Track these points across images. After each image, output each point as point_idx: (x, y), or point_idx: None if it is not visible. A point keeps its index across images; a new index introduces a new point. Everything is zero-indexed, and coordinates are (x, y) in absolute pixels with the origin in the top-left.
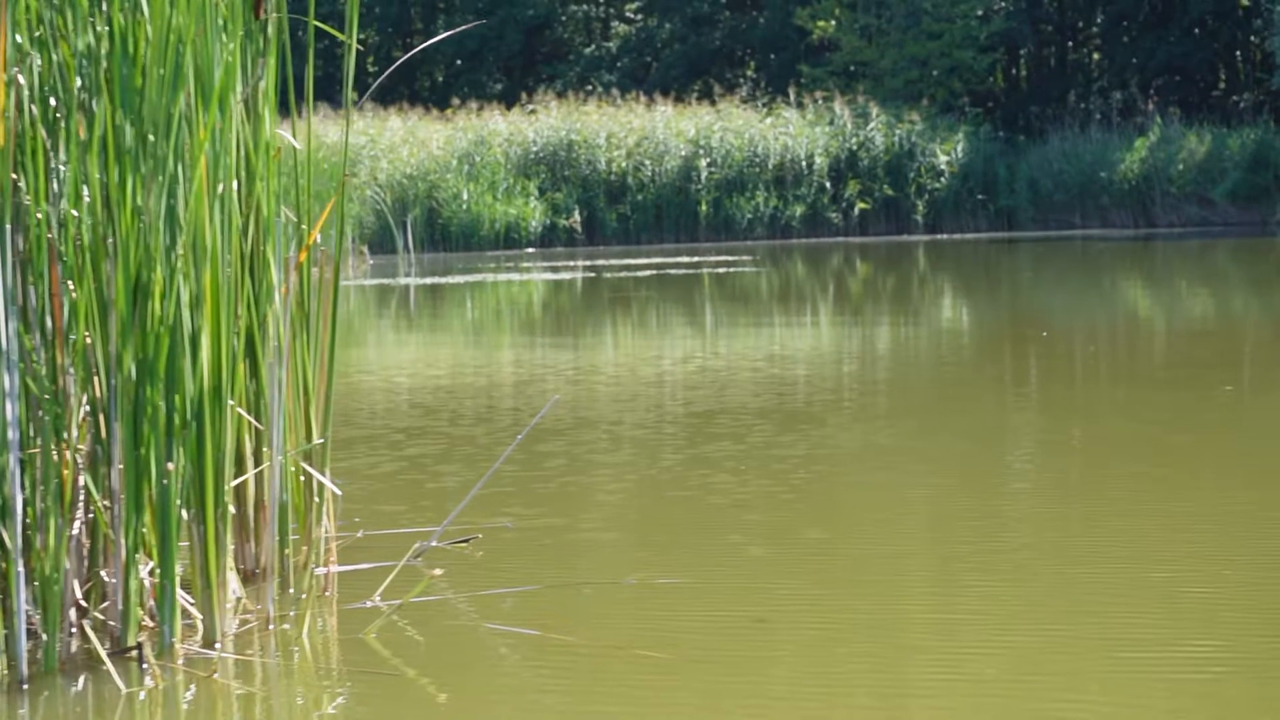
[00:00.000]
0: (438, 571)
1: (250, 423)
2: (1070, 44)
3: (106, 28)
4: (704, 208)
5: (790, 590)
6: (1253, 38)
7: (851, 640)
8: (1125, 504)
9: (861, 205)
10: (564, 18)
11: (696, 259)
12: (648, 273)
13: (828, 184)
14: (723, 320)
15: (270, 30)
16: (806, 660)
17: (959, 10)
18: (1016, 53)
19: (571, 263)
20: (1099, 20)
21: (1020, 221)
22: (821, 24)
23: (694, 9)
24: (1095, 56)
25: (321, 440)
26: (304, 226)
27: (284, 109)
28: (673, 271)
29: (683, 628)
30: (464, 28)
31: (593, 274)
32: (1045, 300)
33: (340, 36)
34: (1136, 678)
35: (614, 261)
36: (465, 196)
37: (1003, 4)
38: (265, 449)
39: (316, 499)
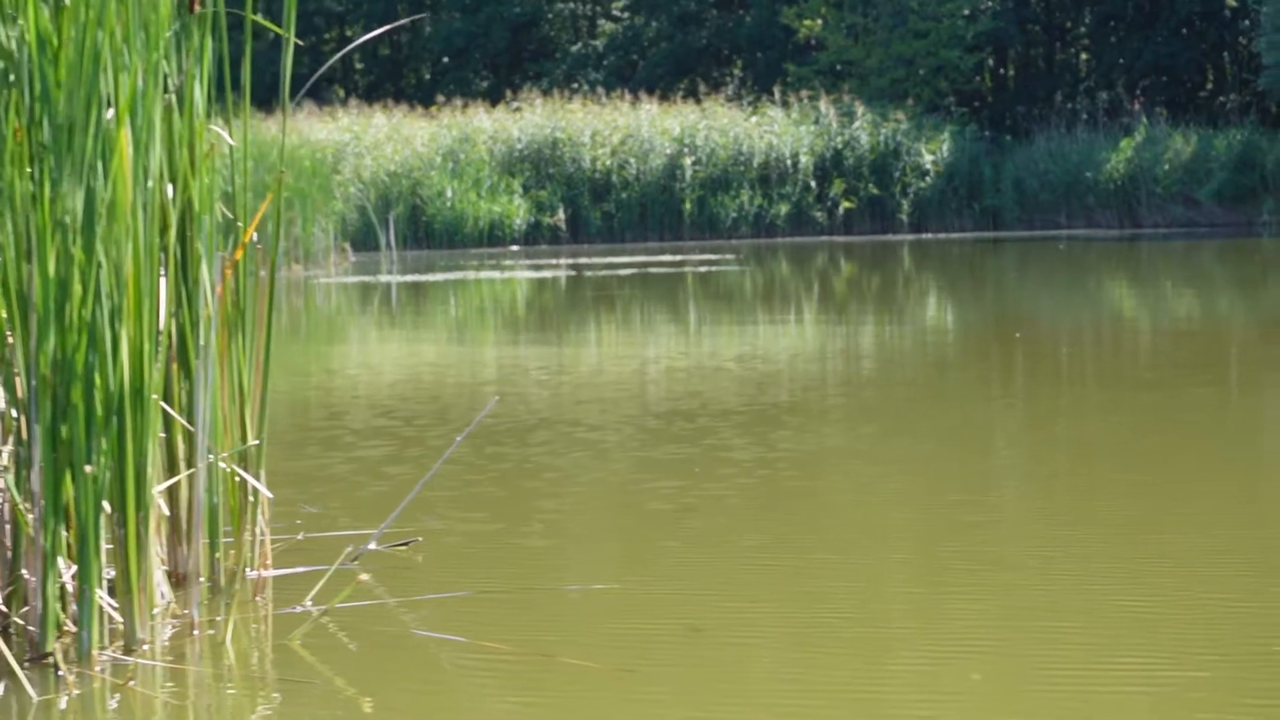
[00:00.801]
0: (365, 576)
1: (184, 425)
2: (1057, 44)
3: (23, 23)
4: (688, 206)
5: (728, 599)
6: (1240, 39)
7: (787, 650)
8: (1078, 509)
9: (846, 204)
10: (550, 16)
11: (679, 258)
12: (629, 271)
13: (813, 183)
14: (701, 320)
15: (203, 25)
16: (739, 671)
17: (945, 10)
18: (1003, 53)
19: (554, 261)
20: (1086, 20)
21: (1005, 221)
22: (808, 23)
23: (680, 7)
24: (1083, 57)
25: (256, 442)
26: (240, 224)
27: (258, 105)
28: (654, 270)
29: (614, 636)
30: (387, 27)
31: (574, 272)
32: (1027, 300)
33: (277, 31)
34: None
35: (597, 260)
36: (449, 194)
37: (989, 4)
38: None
39: (251, 500)
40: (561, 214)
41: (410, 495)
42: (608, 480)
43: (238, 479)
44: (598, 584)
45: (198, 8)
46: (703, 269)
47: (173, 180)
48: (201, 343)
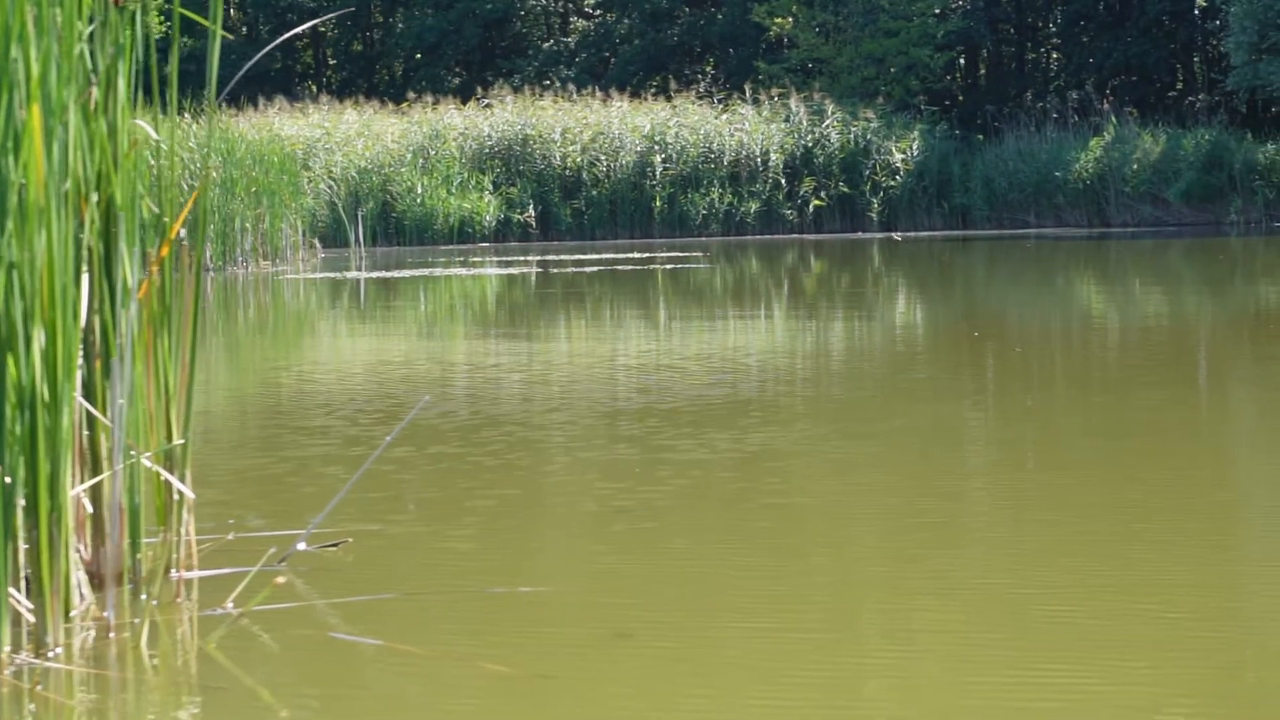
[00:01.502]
0: (282, 579)
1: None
2: (1028, 43)
3: None
4: (659, 204)
5: (659, 604)
6: (1211, 40)
7: (713, 658)
8: (1013, 510)
9: (816, 202)
10: (522, 12)
11: (646, 255)
12: (596, 269)
13: (783, 181)
14: (664, 318)
15: (126, 19)
16: (661, 678)
17: (916, 8)
18: (974, 52)
19: (522, 258)
20: (1056, 20)
21: (975, 220)
22: (779, 21)
23: (652, 5)
24: (1053, 56)
25: (181, 441)
26: (166, 220)
27: (229, 100)
28: (619, 268)
29: (536, 640)
30: (313, 22)
31: (541, 270)
32: (994, 299)
33: (204, 24)
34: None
35: (565, 257)
36: (419, 190)
37: (960, 3)
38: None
39: (176, 500)
40: (532, 211)
41: (338, 497)
42: (544, 481)
43: (164, 479)
44: (525, 587)
45: (121, 0)
46: (669, 266)
47: (96, 176)
48: (118, 341)
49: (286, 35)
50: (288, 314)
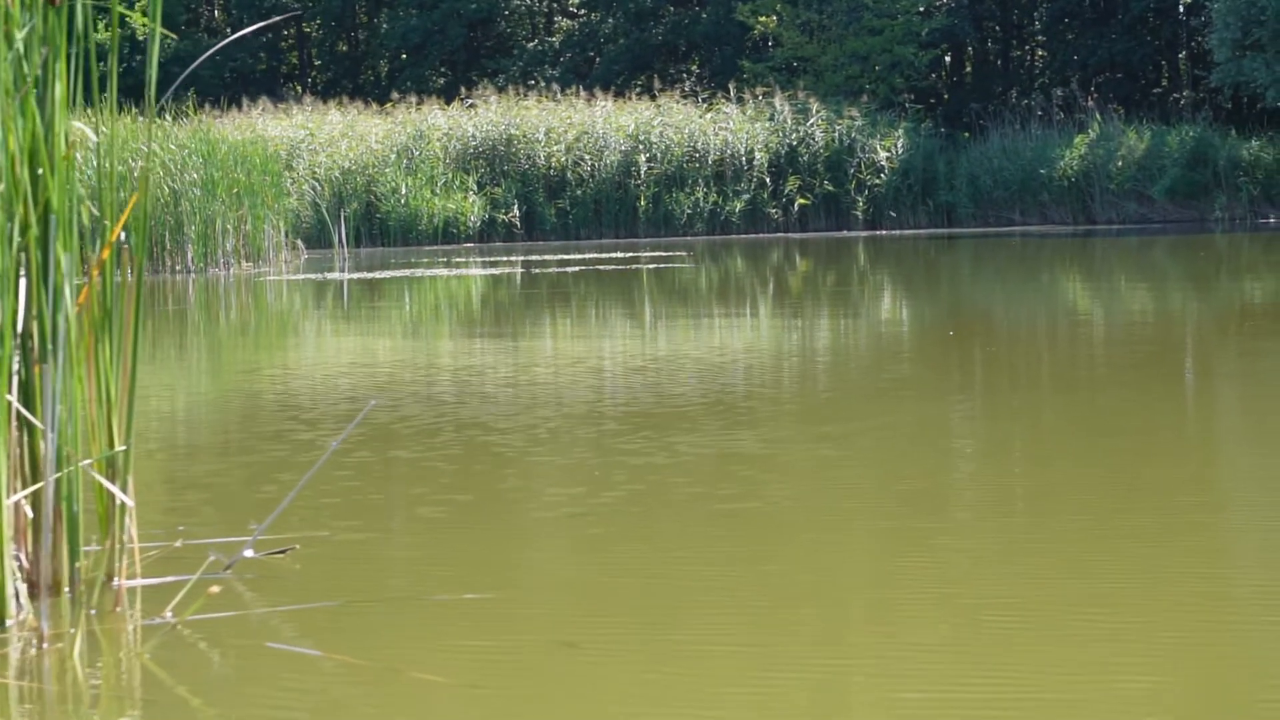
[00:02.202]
0: (215, 589)
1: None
2: (1013, 41)
3: None
4: (643, 203)
5: (609, 614)
6: (1196, 37)
7: (657, 671)
8: (977, 513)
9: (801, 201)
10: (507, 12)
11: (630, 255)
12: (578, 269)
13: (767, 180)
14: (641, 319)
15: (62, 19)
16: (603, 691)
17: (900, 6)
18: (959, 49)
19: (506, 258)
20: (1041, 17)
21: (960, 218)
22: (763, 19)
23: (637, 4)
24: (1039, 53)
25: (124, 448)
26: (107, 223)
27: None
28: (601, 268)
29: (477, 649)
30: (263, 24)
31: (524, 270)
32: (980, 296)
33: (142, 21)
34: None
35: (549, 257)
36: (403, 191)
37: (944, 0)
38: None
39: (118, 507)
40: (516, 211)
41: (282, 505)
42: (499, 486)
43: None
44: (472, 595)
45: (58, 0)
46: (651, 266)
47: (33, 177)
48: (50, 346)
49: (229, 38)
50: (264, 316)
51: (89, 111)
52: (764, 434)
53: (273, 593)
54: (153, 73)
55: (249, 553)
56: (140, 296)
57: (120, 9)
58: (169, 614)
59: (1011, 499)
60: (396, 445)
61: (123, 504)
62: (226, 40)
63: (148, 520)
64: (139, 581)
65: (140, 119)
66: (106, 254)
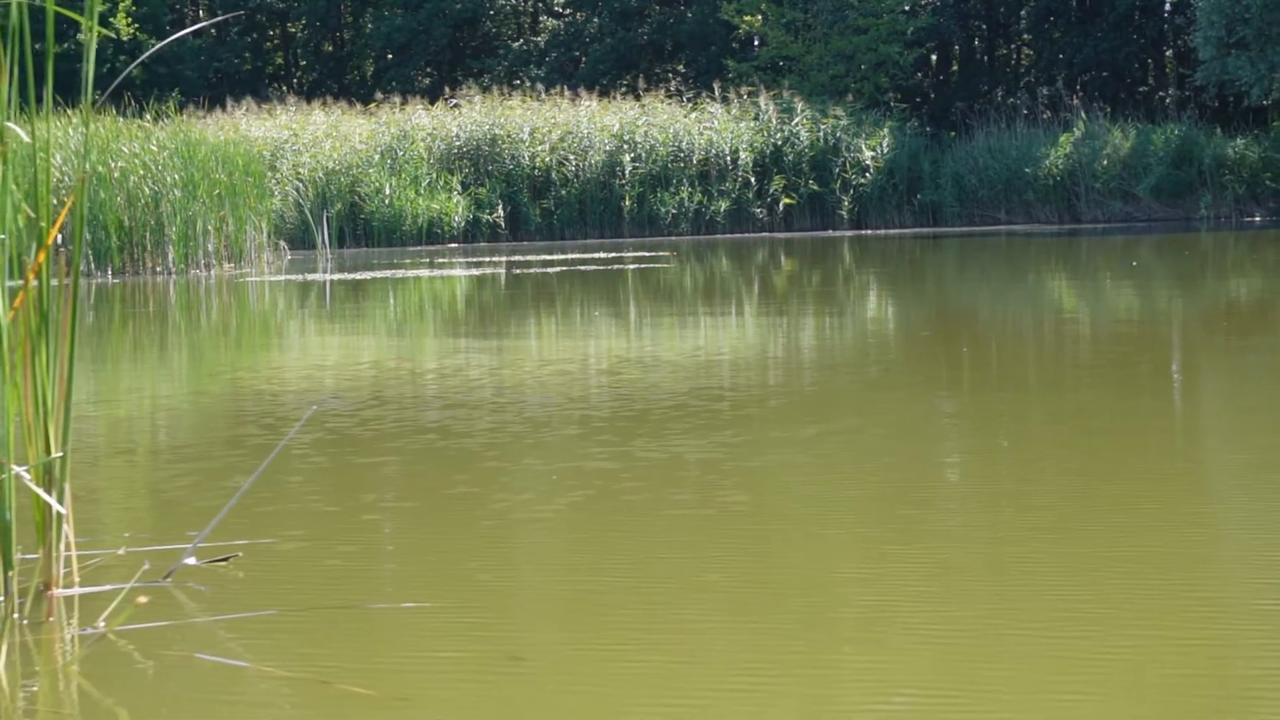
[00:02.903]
0: (143, 600)
1: None
2: (999, 40)
3: None
4: (628, 203)
5: (560, 626)
6: (1182, 35)
7: (604, 686)
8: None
9: (786, 201)
10: (492, 12)
11: (614, 255)
12: (560, 270)
13: (752, 179)
14: (620, 321)
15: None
16: (544, 706)
17: (885, 5)
18: (944, 48)
19: (490, 259)
20: (1026, 16)
21: (946, 217)
22: (748, 19)
23: (622, 4)
24: (1025, 52)
25: (60, 455)
26: (44, 225)
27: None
28: (582, 269)
29: (414, 661)
30: (202, 25)
31: (504, 270)
32: (965, 295)
33: (79, 19)
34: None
35: (533, 257)
36: (387, 191)
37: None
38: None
39: (55, 516)
40: (500, 211)
41: (222, 513)
42: (448, 492)
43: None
44: (415, 604)
45: None
46: (633, 267)
47: None
48: None
49: (168, 40)
50: (239, 318)
51: (23, 114)
52: (725, 438)
53: (212, 601)
54: (89, 71)
55: (191, 560)
56: (76, 301)
57: (57, 8)
58: (101, 624)
59: (987, 500)
60: (353, 450)
61: (58, 512)
62: (165, 41)
63: (96, 526)
64: (75, 590)
65: (121, 120)
66: (42, 258)
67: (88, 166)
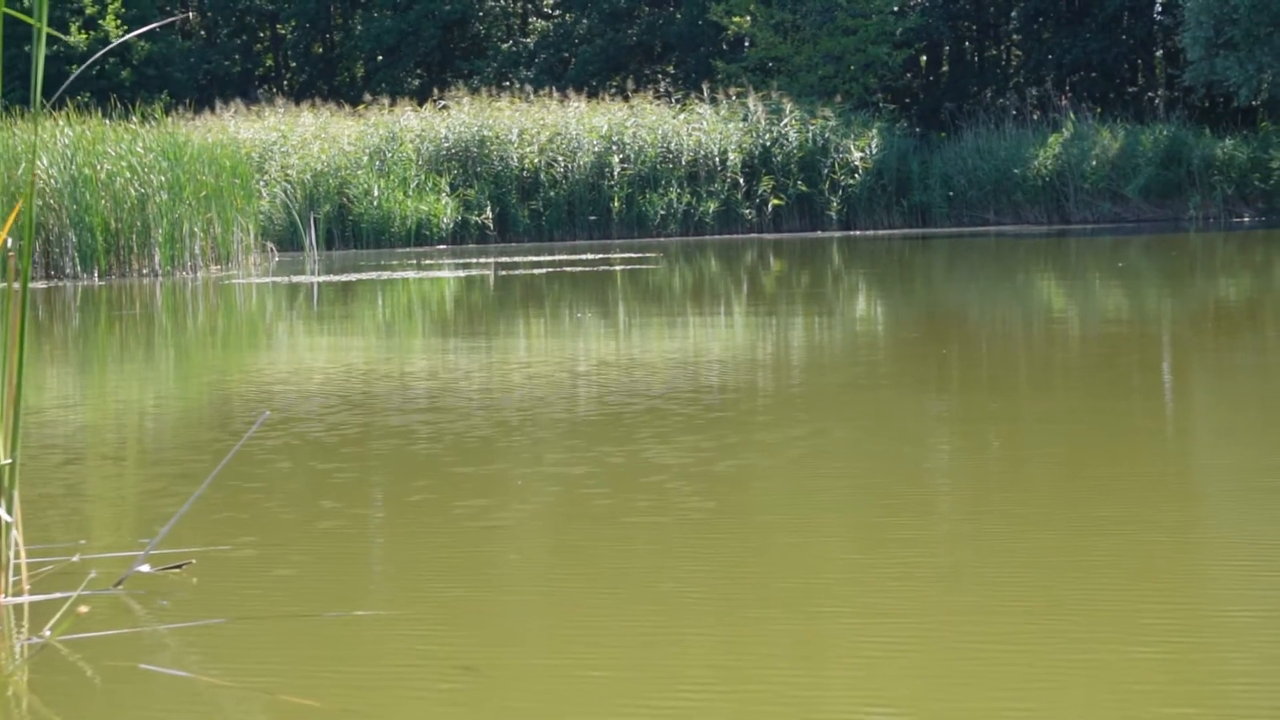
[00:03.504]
0: (84, 609)
1: None
2: (988, 40)
3: None
4: (617, 204)
5: (515, 636)
6: (1172, 36)
7: (568, 698)
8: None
9: (775, 202)
10: (481, 13)
11: (600, 256)
12: (546, 271)
13: (741, 180)
14: (603, 323)
15: None
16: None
17: (874, 6)
18: (933, 49)
19: (479, 260)
20: (1015, 16)
21: (934, 218)
22: (736, 20)
23: (611, 5)
24: (1014, 53)
25: (9, 461)
26: None
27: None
28: (569, 270)
29: (363, 672)
30: (150, 26)
31: (488, 272)
32: (953, 296)
33: (29, 21)
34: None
35: (520, 259)
36: (376, 193)
37: (918, 0)
38: None
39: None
40: (489, 213)
41: (172, 520)
42: (409, 499)
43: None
44: (360, 610)
45: None
46: (619, 268)
47: None
48: None
49: (113, 44)
50: (220, 321)
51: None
52: (692, 443)
53: (164, 609)
54: (38, 72)
55: (144, 568)
56: (26, 305)
57: (7, 9)
58: (47, 632)
59: (973, 500)
60: (318, 455)
61: (6, 521)
62: (114, 44)
63: (53, 533)
64: (24, 599)
65: (107, 122)
66: None
67: (42, 169)
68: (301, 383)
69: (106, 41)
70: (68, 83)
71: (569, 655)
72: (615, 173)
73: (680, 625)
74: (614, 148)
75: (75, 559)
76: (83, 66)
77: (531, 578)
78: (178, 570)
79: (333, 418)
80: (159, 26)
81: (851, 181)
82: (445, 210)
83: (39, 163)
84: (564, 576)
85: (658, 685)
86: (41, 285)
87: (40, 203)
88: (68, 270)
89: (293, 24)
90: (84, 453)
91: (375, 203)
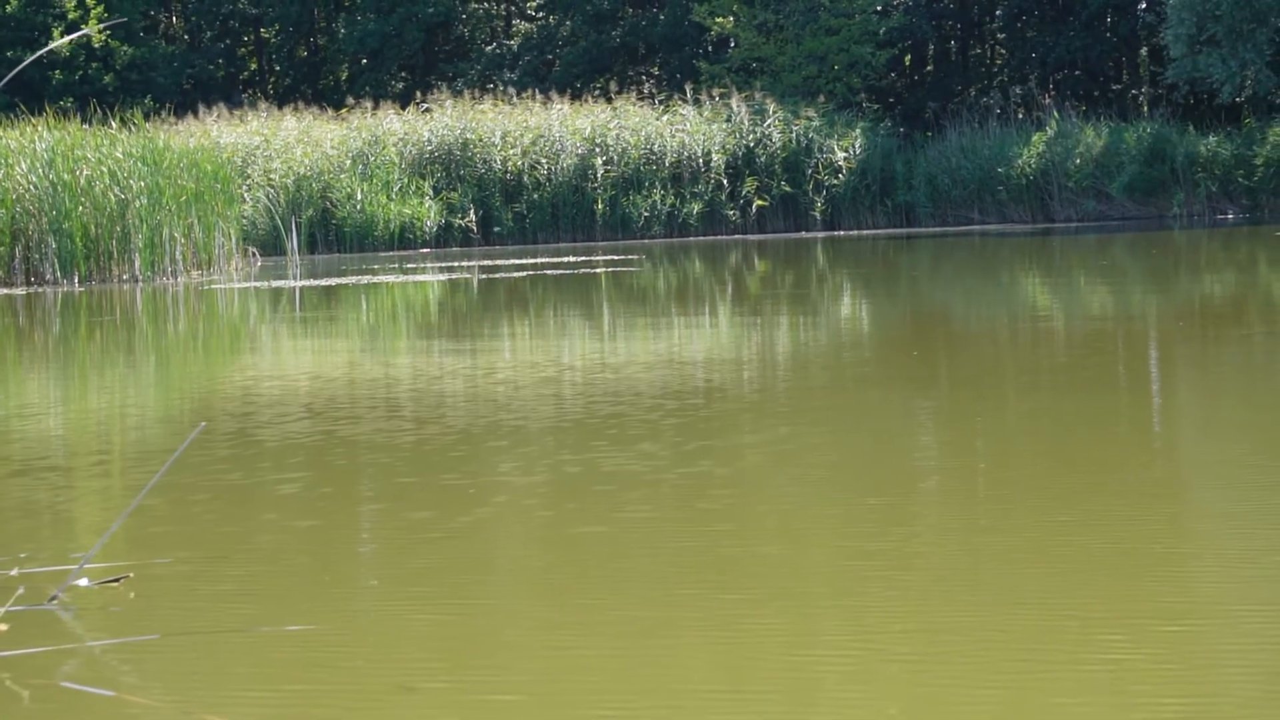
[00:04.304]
0: (3, 626)
1: None
2: (971, 39)
3: None
4: (600, 206)
5: (454, 654)
6: (1156, 33)
7: (498, 717)
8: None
9: (759, 203)
10: (464, 15)
11: (583, 259)
12: (527, 274)
13: (725, 181)
14: (575, 327)
15: None
16: None
17: (857, 5)
18: (917, 48)
19: (463, 263)
20: (998, 14)
21: (919, 217)
22: (719, 20)
23: (594, 6)
24: (998, 51)
25: None
26: None
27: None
28: (552, 273)
29: (293, 690)
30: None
31: (469, 275)
32: (939, 295)
33: None
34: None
35: (503, 262)
36: (359, 196)
37: None
38: None
39: None
40: (473, 215)
41: (107, 533)
42: (357, 509)
43: None
44: (293, 625)
45: None
46: (598, 270)
47: None
48: None
49: (38, 53)
50: (197, 326)
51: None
52: (643, 450)
53: (98, 625)
54: None
55: (83, 581)
56: None
57: None
58: None
59: (962, 501)
60: (269, 465)
61: None
62: (41, 51)
63: None
64: None
65: (86, 127)
66: None
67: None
68: (267, 391)
69: (89, 46)
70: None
71: (510, 676)
72: (599, 175)
73: (624, 642)
74: (597, 150)
75: (14, 573)
76: (11, 73)
77: (476, 593)
78: (115, 584)
79: (291, 426)
80: (85, 35)
81: (835, 182)
82: (429, 214)
83: (17, 168)
84: (510, 593)
85: (603, 707)
86: (21, 291)
87: (19, 208)
88: (48, 276)
89: (276, 28)
90: (36, 463)
91: (358, 206)
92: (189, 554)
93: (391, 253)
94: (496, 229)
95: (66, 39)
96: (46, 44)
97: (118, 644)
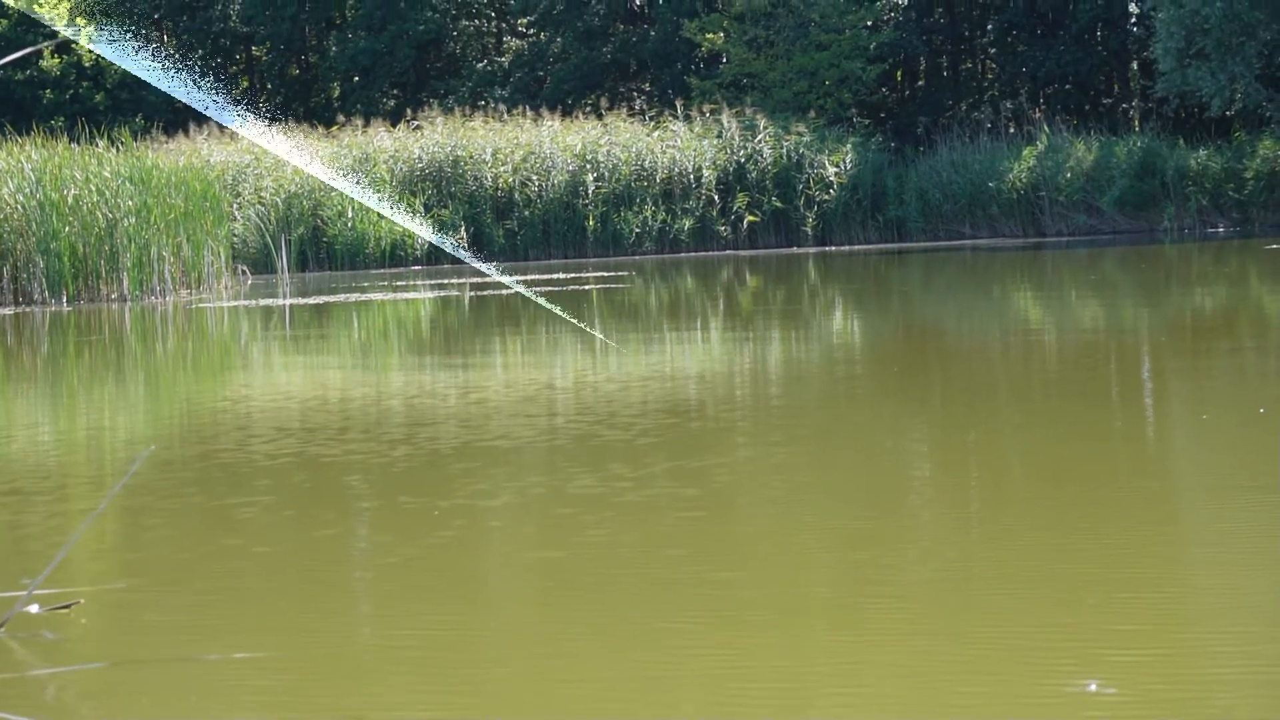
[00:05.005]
0: None
1: None
2: (962, 54)
3: None
4: (591, 223)
5: (407, 683)
6: (1147, 47)
7: None
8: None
9: (750, 218)
10: (455, 33)
11: (572, 275)
12: (511, 292)
13: (716, 197)
14: (561, 346)
15: None
16: None
17: (847, 21)
18: (908, 63)
19: (455, 280)
20: (989, 29)
21: (910, 232)
22: (710, 36)
23: (585, 23)
24: (989, 66)
25: None
26: None
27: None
28: (540, 290)
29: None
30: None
31: (457, 293)
32: (930, 310)
33: None
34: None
35: (487, 280)
36: (350, 214)
37: (892, 15)
38: None
39: None
40: (464, 233)
41: (56, 559)
42: (319, 533)
43: None
44: (240, 653)
45: None
46: (587, 288)
47: None
48: None
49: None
50: (181, 346)
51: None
52: (612, 472)
53: (46, 652)
54: None
55: (33, 608)
56: None
57: None
58: None
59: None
60: (231, 488)
61: None
62: (12, 56)
63: None
64: None
65: (74, 146)
66: None
67: None
68: (243, 411)
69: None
70: None
71: (466, 708)
72: (590, 191)
73: (584, 670)
74: (588, 166)
75: None
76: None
77: (426, 619)
78: (66, 610)
79: (258, 448)
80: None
81: (827, 197)
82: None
83: (5, 188)
84: (466, 620)
85: None
86: (10, 311)
87: (7, 228)
88: (36, 296)
89: (268, 46)
90: None
91: (349, 224)
92: (141, 580)
93: (382, 270)
94: (488, 246)
95: (48, 43)
96: (38, 64)
97: (62, 672)
